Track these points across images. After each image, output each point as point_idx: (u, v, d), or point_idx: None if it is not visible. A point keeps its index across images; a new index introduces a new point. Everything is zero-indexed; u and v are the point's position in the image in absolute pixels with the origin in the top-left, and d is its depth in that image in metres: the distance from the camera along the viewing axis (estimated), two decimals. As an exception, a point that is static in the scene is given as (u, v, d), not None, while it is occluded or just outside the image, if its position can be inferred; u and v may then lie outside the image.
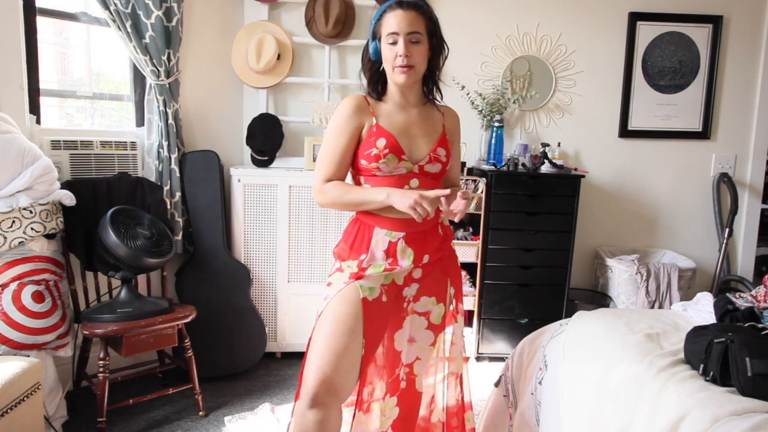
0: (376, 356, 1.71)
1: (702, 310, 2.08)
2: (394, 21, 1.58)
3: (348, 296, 1.61)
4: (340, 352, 1.54)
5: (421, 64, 1.63)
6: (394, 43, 1.58)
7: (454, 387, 1.85)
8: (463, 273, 3.23)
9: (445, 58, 1.72)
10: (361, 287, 1.62)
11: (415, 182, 1.65)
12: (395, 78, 1.62)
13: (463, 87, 3.32)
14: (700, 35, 3.50)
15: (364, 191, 1.64)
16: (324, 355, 1.53)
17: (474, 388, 2.83)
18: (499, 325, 3.22)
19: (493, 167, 3.21)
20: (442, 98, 1.78)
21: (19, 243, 2.18)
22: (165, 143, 2.83)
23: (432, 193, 1.52)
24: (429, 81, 1.72)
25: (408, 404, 1.79)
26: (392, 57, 1.59)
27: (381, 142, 1.62)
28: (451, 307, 1.81)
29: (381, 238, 1.65)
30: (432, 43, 1.65)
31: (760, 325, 1.71)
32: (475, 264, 3.15)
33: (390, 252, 1.65)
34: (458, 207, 1.53)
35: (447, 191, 1.51)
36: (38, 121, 2.57)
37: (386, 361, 1.73)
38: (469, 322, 3.27)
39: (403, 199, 1.54)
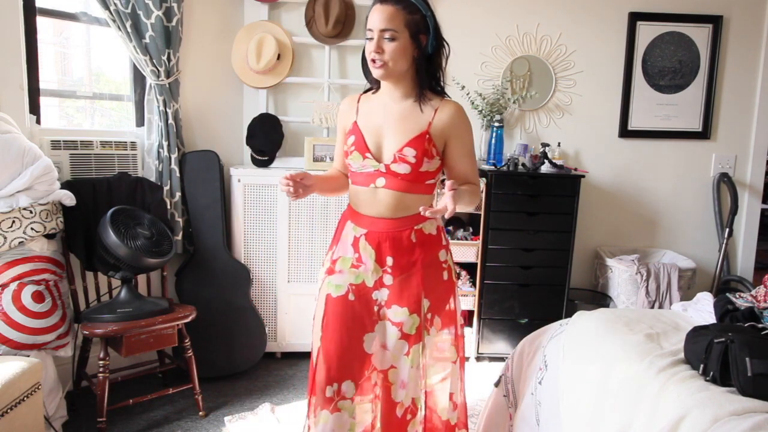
0: (340, 353, 1.67)
1: (702, 310, 2.08)
2: (372, 17, 1.58)
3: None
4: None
5: (398, 62, 1.57)
6: (371, 39, 1.57)
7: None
8: (463, 273, 3.25)
9: (447, 57, 1.67)
10: (329, 283, 1.71)
11: (381, 181, 1.64)
12: (373, 73, 1.62)
13: (463, 87, 3.32)
14: (700, 35, 3.50)
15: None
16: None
17: (474, 388, 2.85)
18: (499, 325, 3.22)
19: (493, 167, 3.21)
20: (443, 95, 1.69)
21: (19, 243, 2.18)
22: (165, 143, 2.83)
23: (295, 175, 1.59)
24: (420, 77, 1.63)
25: (385, 413, 1.72)
26: (369, 53, 1.59)
27: (350, 140, 1.68)
28: (428, 316, 1.70)
29: (350, 231, 1.72)
30: (418, 40, 1.59)
31: (760, 325, 1.71)
32: (475, 264, 3.15)
33: (355, 246, 1.70)
34: (442, 203, 1.48)
35: (292, 174, 1.57)
36: (38, 121, 2.57)
37: (353, 360, 1.68)
38: (469, 322, 3.28)
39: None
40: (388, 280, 1.68)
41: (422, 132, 1.62)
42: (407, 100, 1.66)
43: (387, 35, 1.55)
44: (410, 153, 1.61)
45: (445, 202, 1.47)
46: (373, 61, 1.57)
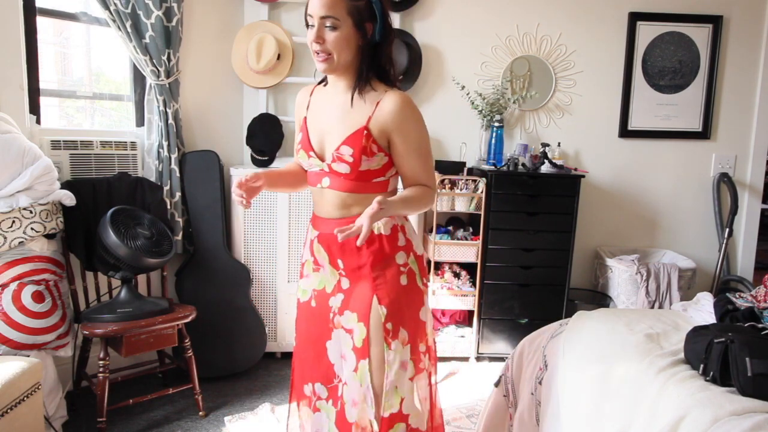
0: (309, 357, 1.67)
1: (702, 310, 2.09)
2: (311, 2, 1.43)
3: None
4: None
5: (342, 53, 1.43)
6: (312, 26, 1.43)
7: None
8: (463, 273, 3.25)
9: (389, 43, 1.50)
10: (299, 287, 1.71)
11: (326, 181, 1.53)
12: (317, 66, 1.48)
13: (463, 87, 3.32)
14: (700, 35, 3.50)
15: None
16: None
17: (474, 388, 2.85)
18: (499, 325, 3.22)
19: (493, 167, 3.21)
20: (392, 86, 1.52)
21: (19, 243, 2.18)
22: (165, 143, 2.83)
23: (247, 180, 1.48)
24: (365, 67, 1.48)
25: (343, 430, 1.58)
26: (309, 42, 1.45)
27: (298, 137, 1.59)
28: (388, 326, 1.52)
29: (309, 233, 1.66)
30: (363, 28, 1.44)
31: (760, 325, 1.71)
32: (475, 264, 3.15)
33: (311, 249, 1.64)
34: (359, 221, 1.36)
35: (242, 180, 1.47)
36: (38, 121, 2.57)
37: (319, 366, 1.65)
38: (469, 322, 3.28)
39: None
40: (345, 283, 1.59)
41: (360, 128, 1.47)
42: (351, 93, 1.51)
43: (328, 23, 1.41)
44: (347, 151, 1.47)
45: (361, 221, 1.34)
46: (316, 53, 1.44)
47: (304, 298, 1.68)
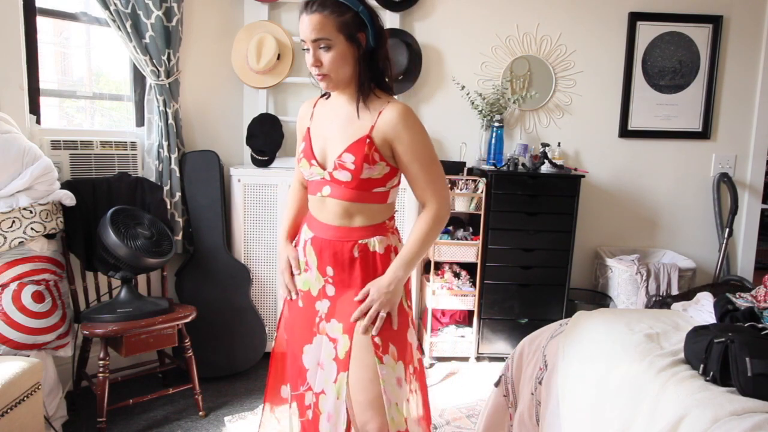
0: (289, 358, 1.69)
1: (702, 310, 2.09)
2: (302, 27, 1.45)
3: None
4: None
5: (339, 70, 1.46)
6: (308, 50, 1.47)
7: None
8: (463, 273, 3.25)
9: (383, 44, 1.51)
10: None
11: (326, 190, 1.55)
12: (320, 86, 1.54)
13: (463, 87, 3.32)
14: (700, 35, 3.50)
15: (285, 217, 1.78)
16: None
17: (474, 388, 2.85)
18: (499, 325, 3.22)
19: (493, 167, 3.21)
20: (391, 93, 1.58)
21: (19, 243, 2.18)
22: (165, 143, 2.83)
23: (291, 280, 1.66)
24: (367, 76, 1.51)
25: None
26: (308, 66, 1.49)
27: (301, 146, 1.62)
28: (377, 341, 1.54)
29: (303, 233, 1.66)
30: (356, 40, 1.46)
31: (760, 325, 1.71)
32: (475, 264, 3.15)
33: (304, 249, 1.64)
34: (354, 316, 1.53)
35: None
36: (38, 121, 2.57)
37: (293, 369, 1.66)
38: (469, 322, 3.28)
39: (279, 261, 1.69)
40: (330, 290, 1.60)
41: (363, 136, 1.49)
42: (354, 103, 1.54)
43: (321, 45, 1.44)
44: (349, 159, 1.49)
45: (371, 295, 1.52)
46: (317, 75, 1.49)
47: (293, 296, 1.70)
